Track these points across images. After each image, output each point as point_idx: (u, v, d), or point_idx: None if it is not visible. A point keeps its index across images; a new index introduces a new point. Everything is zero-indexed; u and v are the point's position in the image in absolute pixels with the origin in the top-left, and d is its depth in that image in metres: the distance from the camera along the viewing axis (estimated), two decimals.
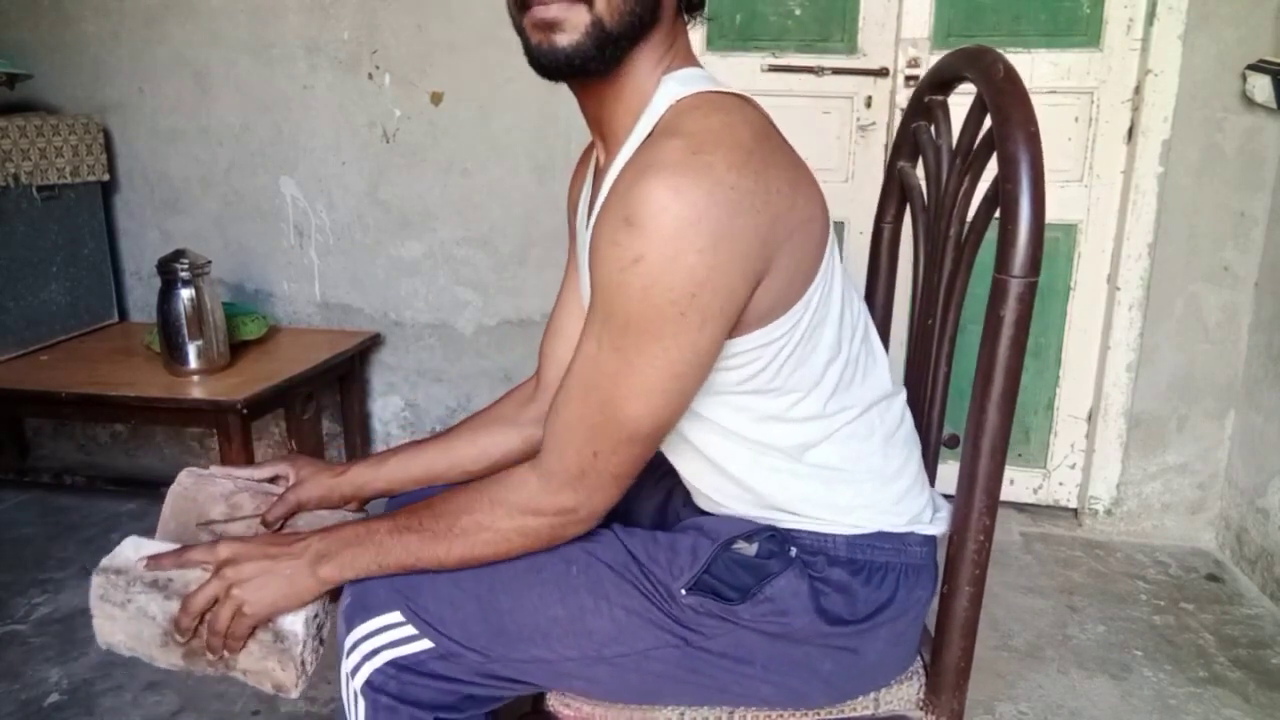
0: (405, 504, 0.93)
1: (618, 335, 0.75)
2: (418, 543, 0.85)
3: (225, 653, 0.89)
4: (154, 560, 0.92)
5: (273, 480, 1.11)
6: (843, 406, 0.87)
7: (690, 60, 0.86)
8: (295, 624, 0.89)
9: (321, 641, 0.92)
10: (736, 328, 0.78)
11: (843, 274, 0.88)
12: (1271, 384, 2.03)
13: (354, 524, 0.89)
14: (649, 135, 0.79)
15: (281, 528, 1.06)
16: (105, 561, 0.93)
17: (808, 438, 0.87)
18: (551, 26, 0.77)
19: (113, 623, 0.92)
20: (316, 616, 0.91)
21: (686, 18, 0.87)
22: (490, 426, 1.11)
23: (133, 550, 0.94)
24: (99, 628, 0.93)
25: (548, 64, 0.79)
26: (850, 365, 0.88)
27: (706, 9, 0.89)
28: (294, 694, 0.92)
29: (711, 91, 0.81)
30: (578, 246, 1.01)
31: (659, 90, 0.82)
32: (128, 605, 0.91)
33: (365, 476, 1.09)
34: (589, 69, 0.80)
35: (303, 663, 0.90)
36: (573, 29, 0.77)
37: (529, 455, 0.86)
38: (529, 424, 1.09)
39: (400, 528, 0.86)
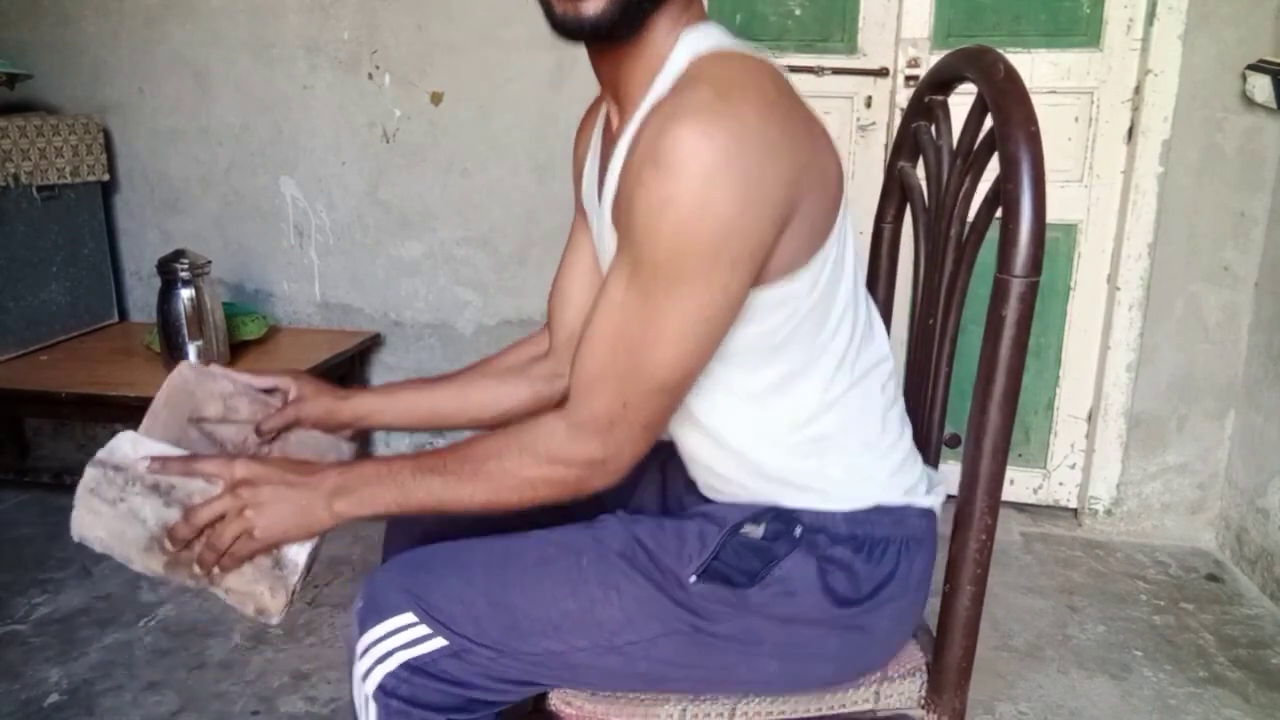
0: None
1: (647, 280, 0.75)
2: (441, 485, 0.84)
3: (216, 569, 0.87)
4: (159, 462, 0.88)
5: (270, 392, 1.09)
6: (851, 369, 0.88)
7: (704, 17, 0.86)
8: (299, 555, 0.87)
9: (309, 571, 0.90)
10: (761, 278, 0.78)
11: (855, 240, 0.88)
12: (1271, 384, 2.03)
13: (374, 462, 0.88)
14: (672, 87, 0.79)
15: (275, 439, 1.05)
16: (102, 455, 0.88)
17: (815, 404, 0.87)
18: None
19: (96, 517, 0.87)
20: (315, 549, 0.89)
21: None
22: (502, 376, 1.10)
23: (130, 446, 0.89)
24: (78, 519, 0.87)
25: (572, 30, 0.80)
26: (859, 328, 0.89)
27: None
28: (275, 620, 0.89)
29: (732, 48, 0.81)
30: (588, 214, 1.01)
31: (679, 45, 0.82)
32: (118, 504, 0.87)
33: (370, 406, 1.07)
34: (614, 34, 0.81)
35: (293, 592, 0.88)
36: None
37: (539, 409, 0.86)
38: (540, 379, 1.09)
39: (424, 469, 0.85)
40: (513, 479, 0.83)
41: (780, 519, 0.88)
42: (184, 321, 2.03)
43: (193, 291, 2.02)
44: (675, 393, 0.80)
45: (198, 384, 1.04)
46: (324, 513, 0.86)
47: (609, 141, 0.91)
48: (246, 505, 0.85)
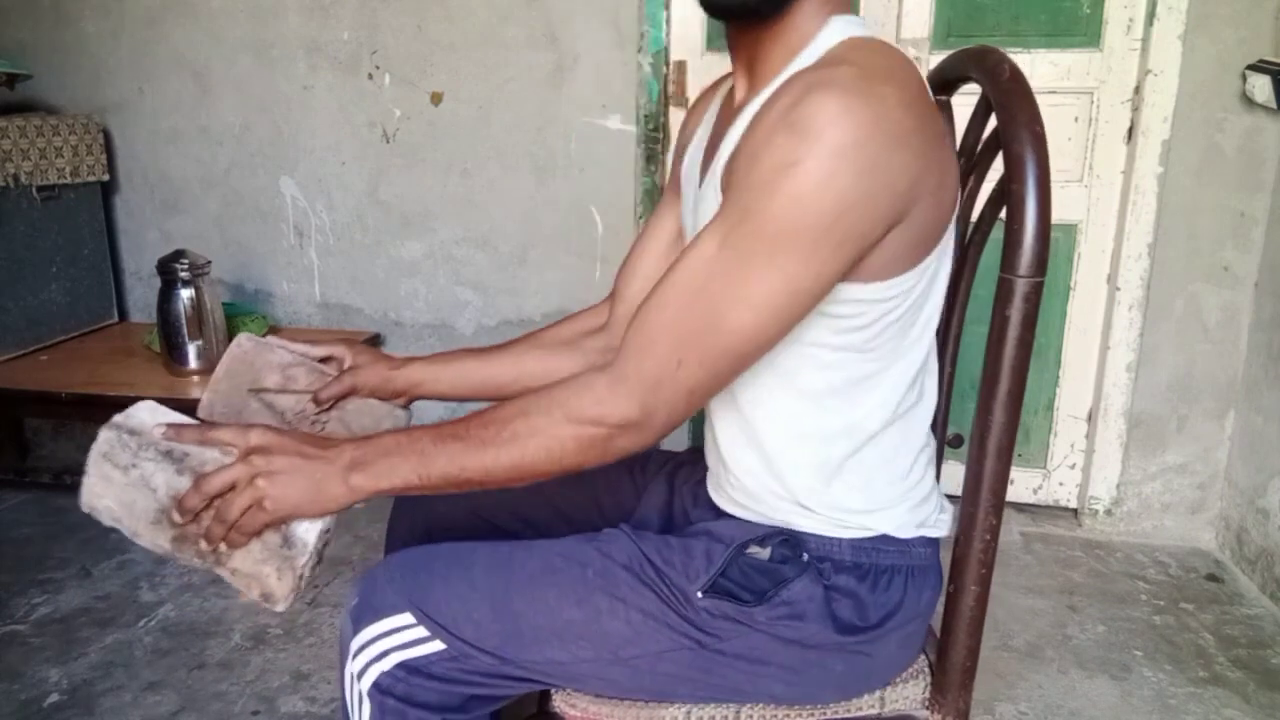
0: None
1: (748, 238, 0.74)
2: (463, 450, 0.80)
3: (223, 546, 0.82)
4: (175, 429, 0.85)
5: (326, 360, 1.10)
6: (913, 390, 0.88)
7: (851, 9, 0.86)
8: (309, 534, 0.84)
9: (320, 560, 0.86)
10: (861, 272, 0.77)
11: (950, 261, 0.87)
12: (1271, 384, 2.03)
13: (394, 433, 0.84)
14: (815, 62, 0.79)
15: (332, 408, 1.05)
16: (118, 419, 0.85)
17: (871, 423, 0.86)
18: None
19: (107, 484, 0.83)
20: (327, 532, 0.85)
21: None
22: (556, 349, 1.09)
23: (149, 414, 0.86)
24: (88, 486, 0.83)
25: (722, 7, 0.82)
26: (929, 353, 0.88)
27: None
28: (280, 607, 0.85)
29: (881, 40, 0.81)
30: (683, 190, 1.00)
31: (827, 27, 0.82)
32: (130, 470, 0.83)
33: (423, 374, 1.07)
34: (763, 12, 0.81)
35: (301, 577, 0.84)
36: None
37: None
38: (594, 352, 1.08)
39: (445, 436, 0.81)
40: (540, 437, 0.79)
41: (787, 544, 0.88)
42: (184, 321, 2.03)
43: (193, 291, 2.02)
44: (736, 364, 0.78)
45: (256, 355, 1.05)
46: (339, 487, 0.82)
47: (727, 114, 0.90)
48: (259, 473, 0.80)
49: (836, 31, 0.82)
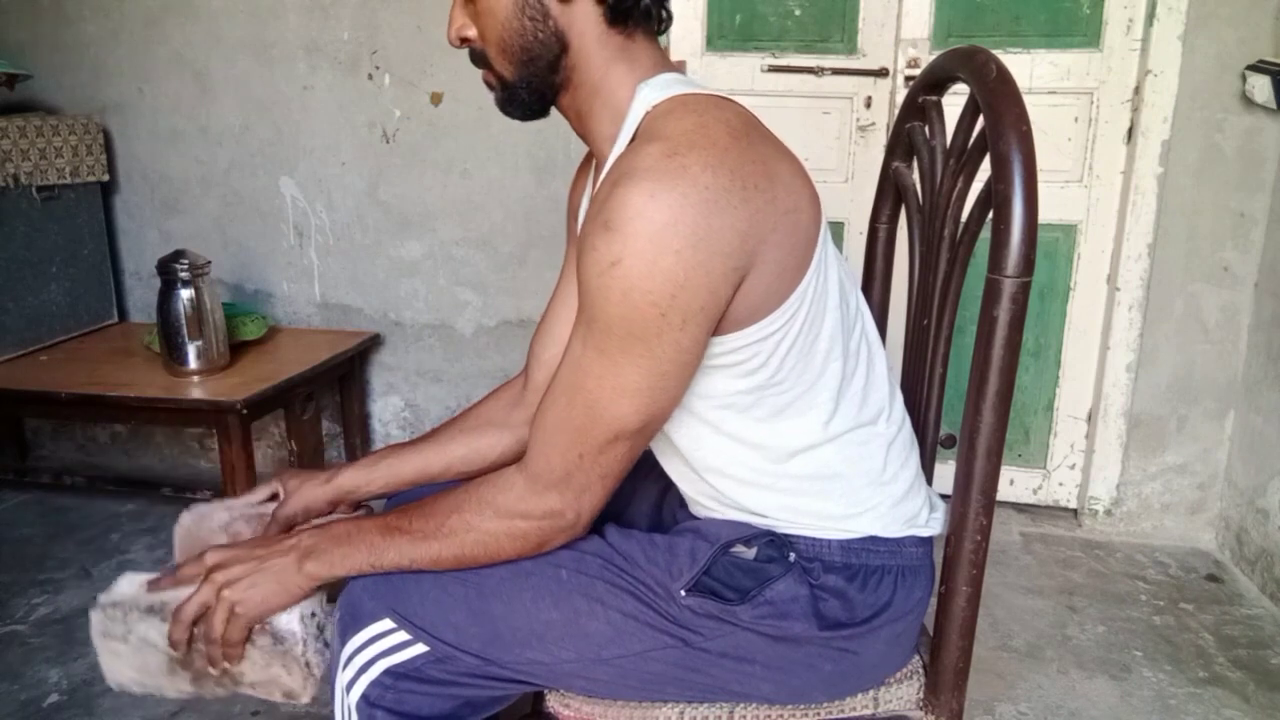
0: (401, 503, 0.92)
1: (601, 337, 0.76)
2: (409, 544, 0.85)
3: (227, 664, 0.88)
4: (153, 581, 0.92)
5: (273, 499, 1.12)
6: (848, 403, 0.87)
7: (663, 65, 0.87)
8: (291, 623, 0.89)
9: (325, 644, 0.92)
10: (731, 324, 0.78)
11: (839, 266, 0.87)
12: (1271, 384, 2.03)
13: (344, 522, 0.89)
14: (630, 142, 0.81)
15: None
16: (102, 598, 0.93)
17: (813, 440, 0.86)
18: (490, 87, 0.91)
19: (118, 659, 0.92)
20: (314, 615, 0.90)
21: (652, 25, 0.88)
22: (483, 429, 1.10)
23: (128, 585, 0.94)
24: (107, 667, 0.92)
25: (503, 113, 0.92)
26: (852, 359, 0.87)
27: (653, 16, 0.88)
28: (304, 699, 0.91)
29: (687, 94, 0.81)
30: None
31: (638, 96, 0.84)
32: (129, 637, 0.91)
33: (355, 481, 1.09)
34: (527, 114, 0.90)
35: (307, 664, 0.89)
36: (496, 88, 0.90)
37: (522, 456, 0.86)
38: (520, 425, 1.09)
39: (390, 528, 0.86)
40: (476, 534, 0.84)
41: (774, 545, 0.88)
42: (184, 322, 2.03)
43: (192, 292, 2.02)
44: (632, 442, 0.81)
45: (198, 527, 1.09)
46: (297, 576, 0.87)
47: (595, 187, 0.92)
48: (222, 587, 0.87)
49: (643, 101, 0.83)
